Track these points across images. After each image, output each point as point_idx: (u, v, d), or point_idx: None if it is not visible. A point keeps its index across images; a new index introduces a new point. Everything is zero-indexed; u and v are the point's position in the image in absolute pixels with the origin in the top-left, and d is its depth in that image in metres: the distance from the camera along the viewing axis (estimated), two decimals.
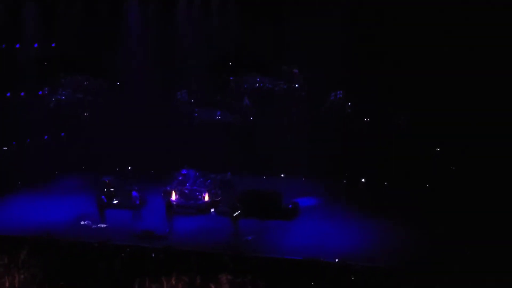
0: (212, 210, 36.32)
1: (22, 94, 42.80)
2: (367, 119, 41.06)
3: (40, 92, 44.49)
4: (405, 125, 39.38)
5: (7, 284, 23.20)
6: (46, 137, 45.05)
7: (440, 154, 38.40)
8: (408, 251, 28.86)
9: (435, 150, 38.53)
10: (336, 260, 26.77)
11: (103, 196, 35.44)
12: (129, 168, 43.69)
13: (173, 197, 36.64)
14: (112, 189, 37.84)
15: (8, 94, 41.87)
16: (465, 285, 23.30)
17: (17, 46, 42.17)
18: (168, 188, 37.28)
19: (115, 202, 37.54)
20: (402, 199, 35.93)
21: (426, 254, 28.05)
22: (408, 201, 35.37)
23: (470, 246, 27.84)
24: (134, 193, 35.83)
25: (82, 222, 34.65)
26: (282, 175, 42.75)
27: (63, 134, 46.12)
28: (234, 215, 32.46)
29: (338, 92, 41.64)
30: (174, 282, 22.01)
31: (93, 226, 34.21)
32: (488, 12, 34.65)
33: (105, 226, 34.15)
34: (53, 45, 44.49)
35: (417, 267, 25.89)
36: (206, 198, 36.66)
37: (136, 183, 37.93)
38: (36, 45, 43.17)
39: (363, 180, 40.19)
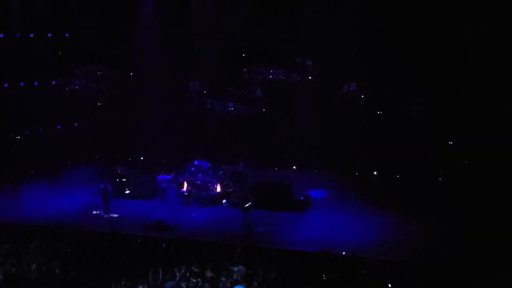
0: (224, 201, 36.34)
1: (36, 83, 42.95)
2: (380, 112, 40.92)
3: (54, 82, 44.62)
4: (418, 118, 39.19)
5: (18, 273, 23.31)
6: (59, 127, 45.22)
7: (453, 148, 38.22)
8: (420, 244, 28.71)
9: (447, 144, 38.37)
10: (347, 253, 26.68)
11: (102, 185, 35.53)
12: (141, 158, 43.81)
13: (185, 188, 36.67)
14: (124, 179, 37.94)
15: (22, 84, 42.02)
16: (478, 279, 23.19)
17: (31, 35, 42.28)
18: (180, 179, 37.27)
19: (127, 192, 37.66)
20: (415, 192, 35.77)
21: (438, 248, 27.89)
22: (421, 195, 35.20)
23: (484, 240, 27.68)
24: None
25: (94, 212, 34.76)
26: (294, 167, 42.73)
27: (76, 124, 46.28)
28: (245, 206, 32.43)
29: (352, 85, 41.49)
30: (185, 272, 22.04)
31: (105, 216, 34.32)
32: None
33: (117, 216, 34.22)
34: (67, 35, 44.63)
35: (429, 261, 25.78)
36: (218, 189, 36.68)
37: (148, 173, 38.02)
38: (50, 35, 43.28)
39: (375, 173, 40.11)
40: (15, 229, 29.77)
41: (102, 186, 35.39)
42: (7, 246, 25.92)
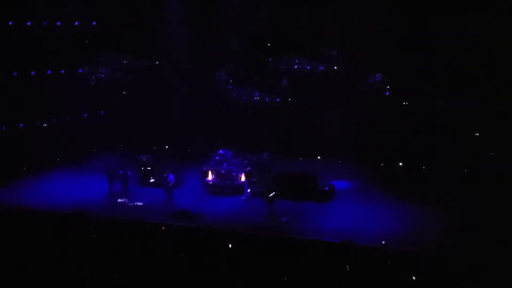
0: (248, 190, 36.35)
1: (62, 71, 43.20)
2: (405, 103, 40.66)
3: (80, 70, 44.83)
4: (444, 109, 38.89)
5: (42, 259, 23.58)
6: (85, 115, 45.49)
7: (479, 139, 37.92)
8: (444, 236, 28.59)
9: (474, 135, 38.08)
10: (371, 244, 26.65)
11: (121, 171, 35.90)
12: (166, 147, 43.94)
13: (210, 177, 36.73)
14: (149, 168, 38.04)
15: (49, 72, 42.28)
16: (501, 272, 23.07)
17: (58, 23, 42.51)
18: (205, 168, 37.31)
19: (152, 180, 37.77)
20: (440, 184, 35.57)
21: (463, 239, 27.72)
22: (446, 186, 35.00)
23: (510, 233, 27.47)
24: (170, 175, 35.88)
25: (119, 200, 34.94)
26: (318, 157, 42.64)
27: (102, 112, 46.52)
28: (269, 196, 32.42)
29: (377, 75, 41.26)
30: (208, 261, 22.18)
31: (130, 204, 34.47)
32: None
33: (141, 204, 34.33)
34: (94, 23, 44.84)
35: (453, 252, 25.66)
36: (243, 178, 36.66)
37: (173, 162, 38.08)
38: (76, 23, 43.50)
39: (400, 163, 39.92)
40: (40, 216, 30.03)
41: (121, 171, 35.77)
42: (33, 231, 26.18)
